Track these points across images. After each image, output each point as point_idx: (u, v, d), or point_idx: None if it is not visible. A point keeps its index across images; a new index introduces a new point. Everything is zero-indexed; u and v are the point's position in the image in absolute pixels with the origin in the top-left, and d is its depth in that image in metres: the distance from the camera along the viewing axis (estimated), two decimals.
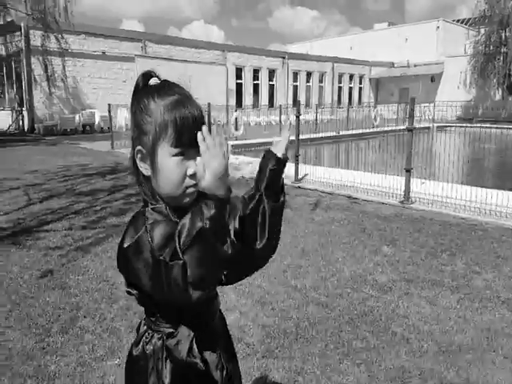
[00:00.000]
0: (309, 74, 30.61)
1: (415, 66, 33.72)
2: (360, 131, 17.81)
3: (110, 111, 13.24)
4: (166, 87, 0.96)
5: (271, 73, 28.09)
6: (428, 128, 19.86)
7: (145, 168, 0.97)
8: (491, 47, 27.67)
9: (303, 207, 5.81)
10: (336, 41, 41.37)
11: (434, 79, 32.32)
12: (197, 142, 0.91)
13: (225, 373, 1.03)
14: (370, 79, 35.30)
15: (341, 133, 17.02)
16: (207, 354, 1.00)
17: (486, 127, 19.98)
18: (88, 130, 18.92)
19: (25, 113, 18.61)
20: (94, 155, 11.02)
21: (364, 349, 2.54)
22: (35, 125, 18.26)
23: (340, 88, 33.15)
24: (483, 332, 2.74)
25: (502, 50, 26.87)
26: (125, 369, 1.08)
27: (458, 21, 39.26)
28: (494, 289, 3.39)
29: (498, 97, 29.57)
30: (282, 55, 28.68)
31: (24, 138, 16.31)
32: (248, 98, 26.65)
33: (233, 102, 24.68)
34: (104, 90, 20.08)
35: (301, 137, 14.56)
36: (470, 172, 10.09)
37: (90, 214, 5.35)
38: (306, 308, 3.03)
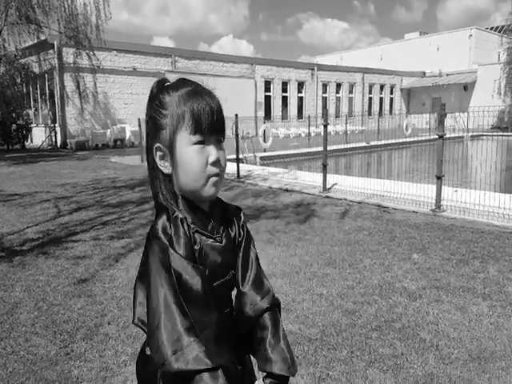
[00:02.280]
0: (338, 85, 30.49)
1: (447, 75, 32.98)
2: (391, 141, 17.52)
3: (140, 125, 13.54)
4: (181, 82, 0.96)
5: (300, 85, 28.18)
6: (461, 137, 19.31)
7: (165, 166, 0.94)
8: None
9: (331, 216, 5.74)
10: (366, 51, 41.11)
11: (467, 88, 31.48)
12: (216, 130, 0.92)
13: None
14: (401, 89, 34.79)
15: (371, 143, 16.79)
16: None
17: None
18: (119, 145, 19.46)
19: (58, 129, 19.23)
20: (124, 169, 11.34)
21: (391, 355, 2.45)
22: (68, 140, 18.85)
23: (370, 99, 32.81)
24: None
25: None
26: (137, 363, 1.06)
27: (491, 28, 38.26)
28: None
29: None
30: (311, 67, 28.74)
31: (57, 153, 16.90)
32: (277, 110, 26.83)
33: (261, 114, 24.90)
34: (134, 105, 20.73)
35: (331, 148, 14.48)
36: (505, 180, 9.70)
37: (118, 225, 5.46)
38: (332, 315, 2.96)
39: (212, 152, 0.92)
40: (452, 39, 34.99)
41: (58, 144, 19.26)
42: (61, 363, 2.45)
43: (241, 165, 10.02)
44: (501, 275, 3.64)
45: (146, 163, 1.00)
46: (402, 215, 5.81)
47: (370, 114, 31.48)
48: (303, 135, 24.98)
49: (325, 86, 29.65)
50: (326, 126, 7.11)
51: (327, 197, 7.04)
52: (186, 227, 0.91)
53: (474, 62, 33.03)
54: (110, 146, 19.20)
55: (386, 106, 33.81)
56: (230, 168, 10.95)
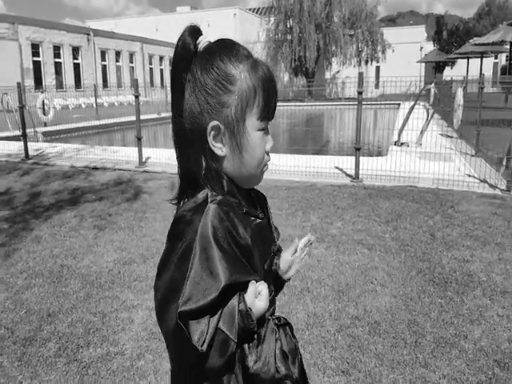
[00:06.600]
0: (118, 54, 28.84)
1: None
2: None
3: None
4: (233, 46, 0.82)
5: (75, 50, 25.29)
6: None
7: (219, 148, 0.82)
8: (280, 35, 31.28)
9: (160, 190, 5.58)
10: (141, 21, 39.99)
11: None
12: (273, 116, 0.87)
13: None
14: None
15: (162, 114, 16.79)
16: None
17: (281, 106, 22.96)
18: None
19: None
20: None
21: (276, 306, 2.67)
22: None
23: (151, 69, 32.39)
24: (357, 269, 3.24)
25: (288, 38, 30.67)
26: None
27: (253, 10, 42.82)
28: (347, 234, 4.00)
29: (286, 79, 34.06)
30: (86, 31, 26.10)
31: None
32: (49, 78, 23.43)
33: (31, 82, 21.29)
34: None
35: (122, 119, 13.73)
36: (282, 143, 11.39)
37: None
38: None
39: (269, 140, 0.87)
40: (220, 16, 37.56)
41: None
42: None
43: (21, 143, 8.42)
44: (321, 221, 4.37)
45: None
46: None
47: (152, 85, 31.15)
48: (84, 106, 22.81)
49: (103, 53, 27.56)
50: (137, 97, 6.71)
51: (145, 171, 6.77)
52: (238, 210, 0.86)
53: (239, 39, 36.48)
54: None
55: (167, 78, 34.12)
56: (11, 147, 9.15)
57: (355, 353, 2.24)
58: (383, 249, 3.63)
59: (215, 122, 0.80)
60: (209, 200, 0.82)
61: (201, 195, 0.83)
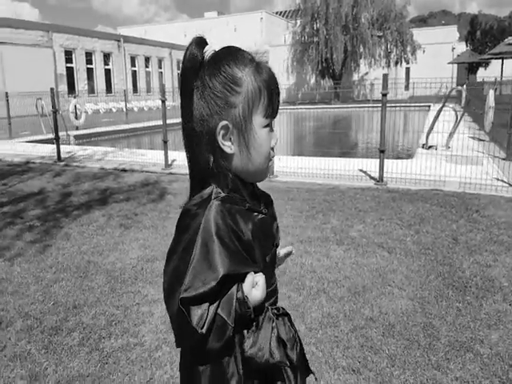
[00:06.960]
0: (147, 59, 29.61)
1: None
2: None
3: None
4: (238, 52, 0.89)
5: (106, 56, 26.14)
6: None
7: (228, 146, 0.89)
8: (306, 37, 31.24)
9: (183, 192, 5.73)
10: (170, 27, 40.96)
11: None
12: (277, 114, 0.96)
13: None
14: None
15: None
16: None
17: (307, 108, 22.99)
18: None
19: None
20: None
21: (292, 306, 2.73)
22: None
23: (179, 75, 33.09)
24: (375, 272, 3.24)
25: (315, 40, 30.58)
26: None
27: (279, 13, 43.01)
28: (367, 236, 4.00)
29: (312, 81, 33.89)
30: (116, 38, 26.94)
31: None
32: (82, 84, 24.30)
33: (64, 88, 22.16)
34: None
35: (149, 123, 14.09)
36: (307, 146, 11.40)
37: None
38: None
39: (274, 136, 0.94)
40: (246, 20, 37.92)
41: None
42: None
43: (53, 146, 8.79)
44: (342, 223, 4.38)
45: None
46: None
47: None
48: (114, 110, 23.54)
49: (133, 58, 28.36)
50: (164, 102, 6.91)
51: (171, 173, 6.95)
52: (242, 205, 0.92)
53: (266, 42, 36.71)
54: None
55: None
56: (44, 150, 9.57)
57: (367, 353, 2.26)
58: (403, 252, 3.61)
59: (224, 122, 0.87)
60: (213, 196, 0.88)
61: (207, 191, 0.91)
